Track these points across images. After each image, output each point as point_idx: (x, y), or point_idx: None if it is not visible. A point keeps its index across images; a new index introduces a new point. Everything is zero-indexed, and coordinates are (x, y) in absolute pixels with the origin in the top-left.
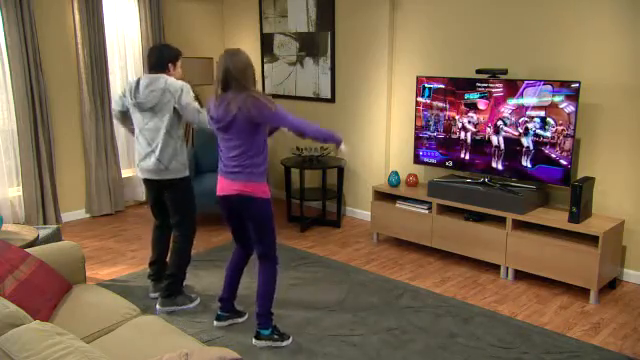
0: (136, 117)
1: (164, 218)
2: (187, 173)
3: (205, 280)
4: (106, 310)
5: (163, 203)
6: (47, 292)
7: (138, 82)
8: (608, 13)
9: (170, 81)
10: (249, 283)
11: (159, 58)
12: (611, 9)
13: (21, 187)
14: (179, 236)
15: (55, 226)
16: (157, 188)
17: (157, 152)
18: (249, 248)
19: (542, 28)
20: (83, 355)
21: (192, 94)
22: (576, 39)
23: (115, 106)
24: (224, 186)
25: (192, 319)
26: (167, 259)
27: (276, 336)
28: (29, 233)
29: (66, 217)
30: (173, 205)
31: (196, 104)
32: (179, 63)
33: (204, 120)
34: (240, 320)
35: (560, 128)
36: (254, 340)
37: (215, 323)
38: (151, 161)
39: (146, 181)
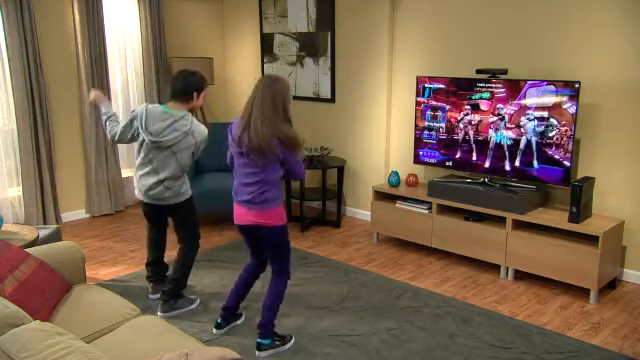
0: (147, 145)
1: (159, 226)
2: (190, 193)
3: (205, 280)
4: (106, 310)
5: (160, 217)
6: (47, 292)
7: (147, 111)
8: (608, 13)
9: (195, 125)
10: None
11: (185, 86)
12: (611, 9)
13: (21, 187)
14: (185, 245)
15: (55, 226)
16: (158, 210)
17: (166, 182)
18: (264, 265)
19: (542, 28)
20: (83, 355)
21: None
22: (576, 39)
23: (120, 136)
24: (240, 215)
25: (192, 319)
26: (164, 259)
27: (277, 342)
28: (29, 233)
29: (66, 217)
30: (179, 224)
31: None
32: (204, 93)
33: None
34: (238, 322)
35: (564, 129)
36: (257, 352)
37: (214, 331)
38: (158, 189)
39: (146, 204)
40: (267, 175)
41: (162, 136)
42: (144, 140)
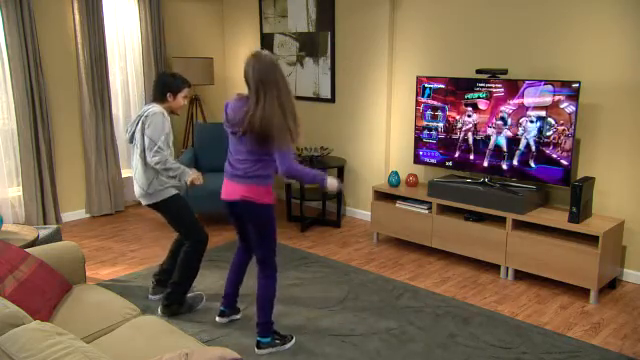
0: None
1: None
2: (171, 193)
3: (206, 280)
4: (106, 310)
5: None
6: (47, 292)
7: None
8: (608, 13)
9: (150, 108)
10: (252, 284)
11: (158, 86)
12: (611, 9)
13: (21, 187)
14: (188, 246)
15: (55, 226)
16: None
17: (135, 178)
18: (252, 249)
19: (542, 28)
20: (83, 355)
21: (168, 125)
22: (576, 39)
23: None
24: (228, 190)
25: (192, 319)
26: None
27: (277, 341)
28: (29, 233)
29: (66, 217)
30: (170, 224)
31: (160, 143)
32: (182, 94)
33: (160, 160)
34: (237, 317)
35: (561, 128)
36: (257, 350)
37: (217, 319)
38: (135, 187)
39: None
40: (261, 155)
41: (128, 128)
42: None
